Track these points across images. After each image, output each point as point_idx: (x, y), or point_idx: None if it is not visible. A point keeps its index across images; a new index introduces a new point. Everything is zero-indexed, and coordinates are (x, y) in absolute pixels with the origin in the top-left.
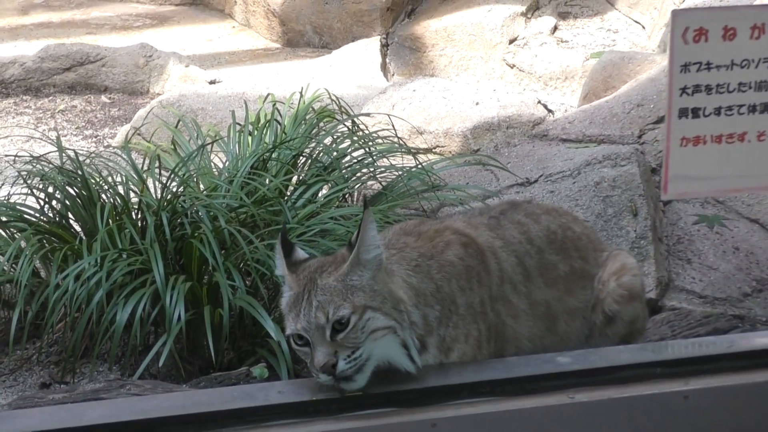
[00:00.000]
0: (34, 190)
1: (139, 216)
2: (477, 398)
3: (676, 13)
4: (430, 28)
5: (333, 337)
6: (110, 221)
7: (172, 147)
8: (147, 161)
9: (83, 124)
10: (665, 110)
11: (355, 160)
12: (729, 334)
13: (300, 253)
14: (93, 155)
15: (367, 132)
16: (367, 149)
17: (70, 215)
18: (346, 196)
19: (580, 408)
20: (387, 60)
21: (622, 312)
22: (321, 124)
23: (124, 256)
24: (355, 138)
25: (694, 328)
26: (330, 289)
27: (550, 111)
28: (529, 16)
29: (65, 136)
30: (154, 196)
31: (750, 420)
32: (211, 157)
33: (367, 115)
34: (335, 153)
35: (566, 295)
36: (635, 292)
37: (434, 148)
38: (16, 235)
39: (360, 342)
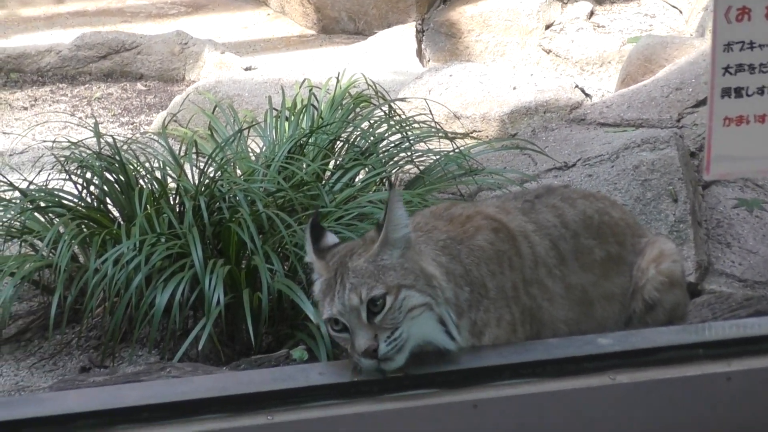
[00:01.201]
0: (72, 176)
1: (177, 201)
2: (518, 379)
3: None
4: (466, 14)
5: (370, 319)
6: (148, 206)
7: (209, 133)
8: (184, 147)
9: (119, 111)
10: (708, 90)
11: (392, 145)
12: None
13: (330, 239)
14: (130, 141)
15: (403, 117)
16: (404, 134)
17: (108, 200)
18: (384, 180)
19: (622, 389)
20: (422, 46)
21: (663, 299)
22: (357, 110)
23: (163, 240)
24: (392, 122)
25: (735, 310)
26: (361, 271)
27: (587, 95)
28: (565, 1)
29: (102, 123)
30: (191, 181)
31: None
32: (248, 143)
33: (404, 100)
34: (372, 138)
35: (603, 280)
36: (675, 279)
37: (471, 132)
38: (54, 221)
39: (399, 322)
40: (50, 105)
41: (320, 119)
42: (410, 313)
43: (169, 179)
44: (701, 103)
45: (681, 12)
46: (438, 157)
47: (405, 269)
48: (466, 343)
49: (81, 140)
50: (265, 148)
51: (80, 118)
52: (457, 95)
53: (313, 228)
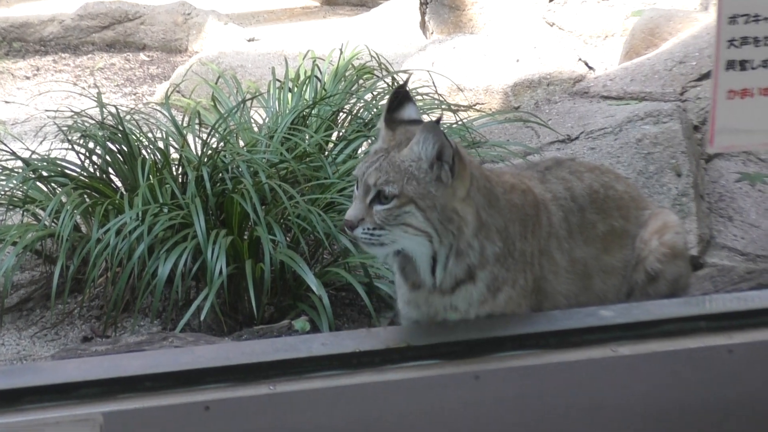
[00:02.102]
0: (75, 146)
1: (180, 171)
2: (520, 351)
3: None
4: None
5: (371, 202)
6: (151, 176)
7: (212, 103)
8: (187, 118)
9: (122, 81)
10: (713, 62)
11: None
12: None
13: (410, 112)
14: (133, 111)
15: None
16: None
17: (111, 170)
18: None
19: (623, 361)
20: (426, 18)
21: (665, 271)
22: (361, 81)
23: (165, 210)
24: None
25: (738, 283)
26: (394, 163)
27: (590, 68)
28: None
29: (104, 93)
30: (194, 151)
31: None
32: (251, 114)
33: (407, 72)
34: (375, 109)
35: (603, 254)
36: (678, 251)
37: (474, 104)
38: (57, 190)
39: (387, 224)
40: (53, 74)
41: (323, 91)
42: (403, 227)
43: (172, 150)
44: (704, 76)
45: None
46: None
47: (429, 193)
48: (479, 296)
49: (84, 110)
50: (267, 119)
51: (83, 87)
52: (461, 67)
53: (394, 96)
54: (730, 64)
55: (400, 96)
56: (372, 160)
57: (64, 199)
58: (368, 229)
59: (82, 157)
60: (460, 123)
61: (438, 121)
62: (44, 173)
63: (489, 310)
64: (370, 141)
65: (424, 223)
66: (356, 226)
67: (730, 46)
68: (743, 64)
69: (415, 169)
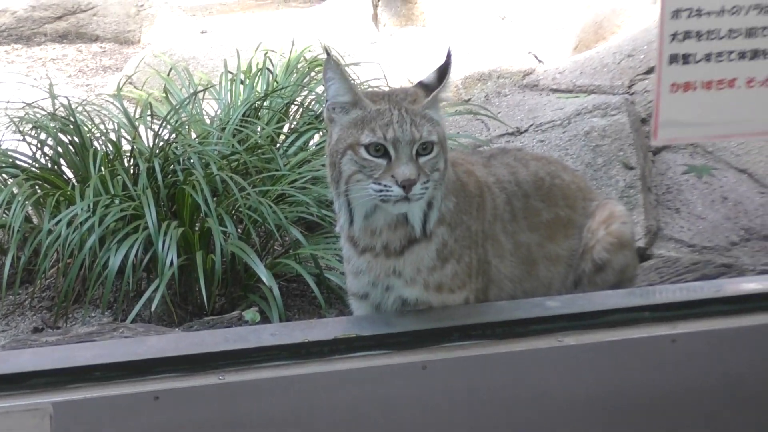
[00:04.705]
0: (27, 137)
1: (132, 163)
2: (467, 341)
3: None
4: None
5: (417, 157)
6: (102, 168)
7: (164, 95)
8: (139, 109)
9: (74, 72)
10: (656, 57)
11: None
12: (716, 280)
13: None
14: (85, 103)
15: (358, 81)
16: None
17: (63, 162)
18: None
19: (569, 351)
20: (378, 11)
21: (612, 260)
22: (312, 74)
23: (117, 201)
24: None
25: (682, 274)
26: (421, 114)
27: (540, 61)
28: None
29: (56, 84)
30: (146, 143)
31: (737, 363)
32: (203, 106)
33: (358, 64)
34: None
35: (547, 241)
36: (625, 240)
37: None
38: (8, 182)
39: (430, 173)
40: (4, 65)
41: (275, 83)
42: (436, 174)
43: (124, 141)
44: (652, 70)
45: None
46: None
47: (444, 135)
48: (430, 261)
49: (35, 101)
50: (219, 111)
51: (35, 78)
52: (412, 60)
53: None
54: (673, 58)
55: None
56: (395, 120)
57: (15, 190)
58: (424, 182)
59: (34, 149)
60: None
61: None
62: None
63: (437, 281)
64: (322, 133)
65: (445, 165)
66: (415, 183)
67: (673, 40)
68: (686, 58)
69: (434, 115)
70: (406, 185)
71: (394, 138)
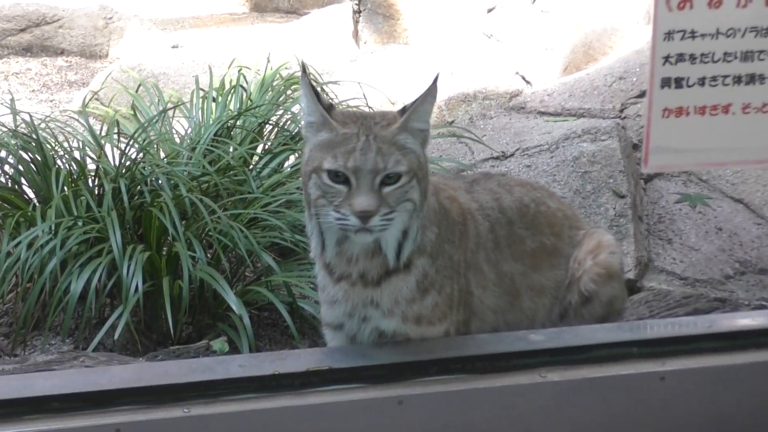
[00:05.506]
0: None
1: (96, 183)
2: (446, 375)
3: None
4: None
5: (380, 188)
6: (65, 188)
7: (132, 112)
8: (105, 127)
9: (38, 87)
10: (647, 80)
11: None
12: (709, 315)
13: (324, 98)
14: (48, 119)
15: (337, 101)
16: None
17: (24, 181)
18: None
19: (552, 387)
20: (359, 27)
21: (600, 292)
22: (288, 92)
23: (80, 223)
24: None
25: (674, 308)
26: (389, 141)
27: (528, 82)
28: None
29: (19, 99)
30: (112, 162)
31: (729, 403)
32: (173, 124)
33: (337, 83)
34: (303, 122)
35: (531, 271)
36: (613, 271)
37: None
38: None
39: (396, 204)
40: None
41: (249, 101)
42: (405, 204)
43: (89, 160)
44: (645, 93)
45: None
46: None
47: (420, 163)
48: (410, 292)
49: None
50: (190, 130)
51: None
52: (393, 80)
53: (311, 84)
54: (666, 82)
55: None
56: (359, 146)
57: None
58: (385, 214)
59: None
60: None
61: (436, 79)
62: None
63: (416, 313)
64: (297, 155)
65: (420, 195)
66: (373, 215)
67: (665, 63)
68: (678, 82)
69: (410, 142)
70: (362, 217)
71: (355, 167)
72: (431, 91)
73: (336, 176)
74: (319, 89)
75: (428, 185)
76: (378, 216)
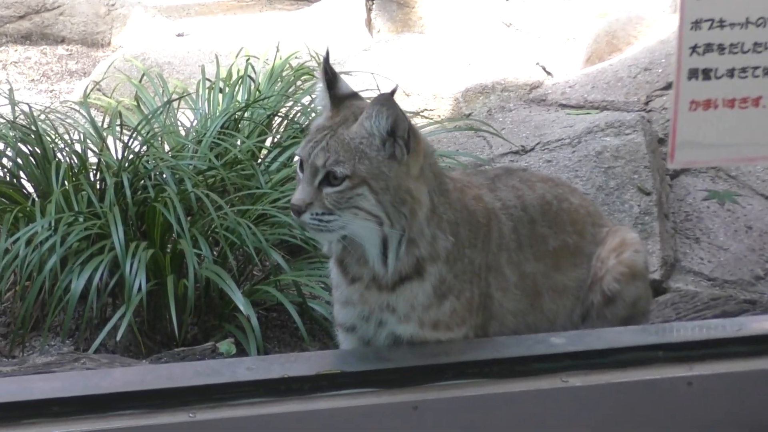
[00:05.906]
0: None
1: (98, 177)
2: (462, 380)
3: None
4: None
5: (320, 185)
6: (66, 182)
7: (135, 103)
8: (107, 118)
9: (38, 77)
10: (674, 71)
11: None
12: (738, 317)
13: (344, 85)
14: (48, 110)
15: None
16: None
17: (22, 174)
18: None
19: (574, 392)
20: (372, 15)
21: (623, 291)
22: (299, 83)
23: (81, 219)
24: None
25: (701, 311)
26: (344, 141)
27: (549, 73)
28: None
29: (18, 89)
30: (114, 155)
31: (758, 409)
32: (178, 116)
33: (349, 73)
34: (314, 114)
35: (553, 271)
36: (637, 270)
37: (422, 111)
38: None
39: (338, 208)
40: None
41: (257, 92)
42: (354, 210)
43: (90, 153)
44: (671, 85)
45: None
46: None
47: (381, 173)
48: (426, 298)
49: None
50: (196, 122)
51: None
52: (408, 70)
53: (325, 70)
54: (693, 73)
55: (330, 71)
56: (317, 138)
57: None
58: (317, 214)
59: None
60: None
61: (393, 92)
62: None
63: (433, 318)
64: None
65: (376, 206)
66: (304, 211)
67: (692, 54)
68: (707, 73)
69: (366, 147)
70: (294, 210)
71: (302, 157)
72: (382, 101)
73: (300, 164)
74: (341, 76)
75: (413, 204)
76: (308, 213)
